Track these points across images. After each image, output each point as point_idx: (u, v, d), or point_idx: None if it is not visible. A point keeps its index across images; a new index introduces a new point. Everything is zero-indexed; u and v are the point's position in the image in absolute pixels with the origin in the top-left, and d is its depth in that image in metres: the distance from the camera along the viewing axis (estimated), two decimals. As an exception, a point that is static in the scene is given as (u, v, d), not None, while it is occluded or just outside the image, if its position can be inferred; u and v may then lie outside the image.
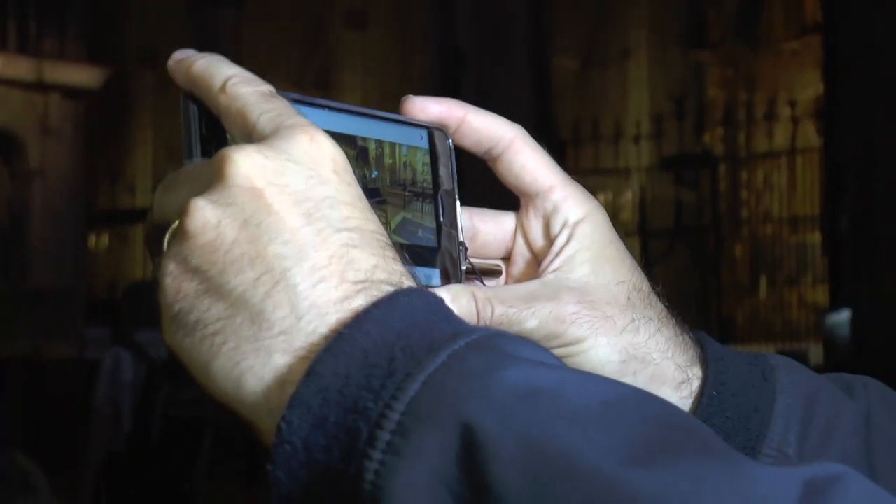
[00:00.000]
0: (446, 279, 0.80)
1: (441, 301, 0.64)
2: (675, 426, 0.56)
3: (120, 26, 19.05)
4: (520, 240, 0.84)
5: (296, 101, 0.72)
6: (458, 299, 0.75)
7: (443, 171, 0.82)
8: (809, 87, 14.92)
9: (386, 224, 0.72)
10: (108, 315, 10.71)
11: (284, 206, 0.64)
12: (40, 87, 15.98)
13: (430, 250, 0.80)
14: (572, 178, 0.84)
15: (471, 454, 0.54)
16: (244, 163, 0.64)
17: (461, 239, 0.82)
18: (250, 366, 0.62)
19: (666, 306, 0.83)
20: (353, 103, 0.79)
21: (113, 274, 17.34)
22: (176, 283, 0.64)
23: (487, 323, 0.76)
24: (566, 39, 16.31)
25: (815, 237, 13.60)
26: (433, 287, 0.76)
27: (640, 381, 0.79)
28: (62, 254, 16.04)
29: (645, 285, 0.82)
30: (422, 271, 0.77)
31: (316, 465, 0.58)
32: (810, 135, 14.29)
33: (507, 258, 0.85)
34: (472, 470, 0.54)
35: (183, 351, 0.64)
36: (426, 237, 0.80)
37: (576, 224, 0.81)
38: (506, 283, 0.84)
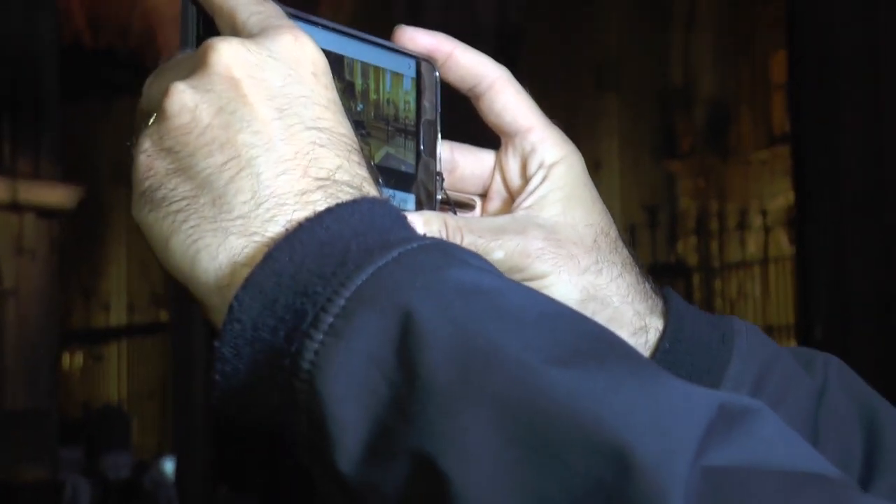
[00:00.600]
0: (420, 206, 0.82)
1: (401, 213, 0.67)
2: (605, 341, 0.59)
3: (95, 144, 19.15)
4: (497, 177, 0.87)
5: (289, 15, 0.74)
6: (429, 224, 0.78)
7: (427, 102, 0.84)
8: (780, 196, 15.07)
9: (370, 157, 0.72)
10: (81, 436, 10.60)
11: (259, 99, 0.66)
12: (15, 207, 15.98)
13: (408, 177, 0.82)
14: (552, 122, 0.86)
15: (406, 341, 0.57)
16: (226, 53, 0.67)
17: (439, 169, 0.84)
18: (206, 244, 0.65)
19: (631, 254, 0.85)
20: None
21: (87, 394, 17.21)
22: (149, 160, 0.67)
23: None
24: (538, 152, 16.41)
25: (790, 346, 13.58)
26: (407, 210, 0.79)
27: (598, 320, 0.78)
28: (35, 374, 15.90)
29: (612, 231, 0.85)
30: (399, 195, 0.80)
31: (261, 343, 0.61)
32: (783, 243, 14.41)
33: (483, 195, 0.87)
34: (406, 355, 0.57)
35: (146, 225, 0.67)
36: (406, 166, 0.82)
37: (551, 165, 0.84)
38: (482, 215, 0.87)
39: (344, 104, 0.71)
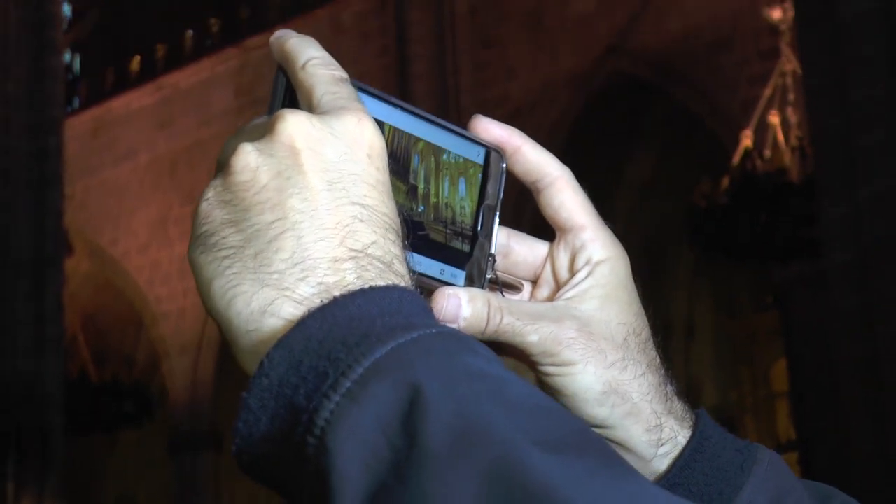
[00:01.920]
0: (470, 282, 0.88)
1: (426, 304, 0.73)
2: (590, 438, 0.64)
3: (100, 475, 18.97)
4: (548, 267, 0.92)
5: (369, 93, 0.81)
6: (474, 300, 0.84)
7: (490, 188, 0.90)
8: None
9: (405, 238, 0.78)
10: None
11: (313, 170, 0.74)
12: None
13: (463, 254, 0.88)
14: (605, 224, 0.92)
15: (413, 412, 0.62)
16: (293, 124, 0.75)
17: (492, 251, 0.90)
18: (244, 291, 0.72)
19: (659, 357, 0.90)
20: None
21: None
22: (209, 207, 0.76)
23: (495, 328, 0.84)
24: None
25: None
26: (456, 286, 0.86)
27: (616, 413, 0.86)
28: None
29: (644, 332, 0.89)
30: (450, 270, 0.87)
31: (283, 399, 0.67)
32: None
33: (534, 281, 0.92)
34: (410, 425, 0.62)
35: (196, 265, 0.75)
36: (463, 243, 0.88)
37: (597, 263, 0.89)
38: (528, 300, 0.92)
39: (406, 206, 0.81)
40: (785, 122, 12.30)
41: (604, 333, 0.87)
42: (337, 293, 0.71)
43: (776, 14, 12.37)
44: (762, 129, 12.43)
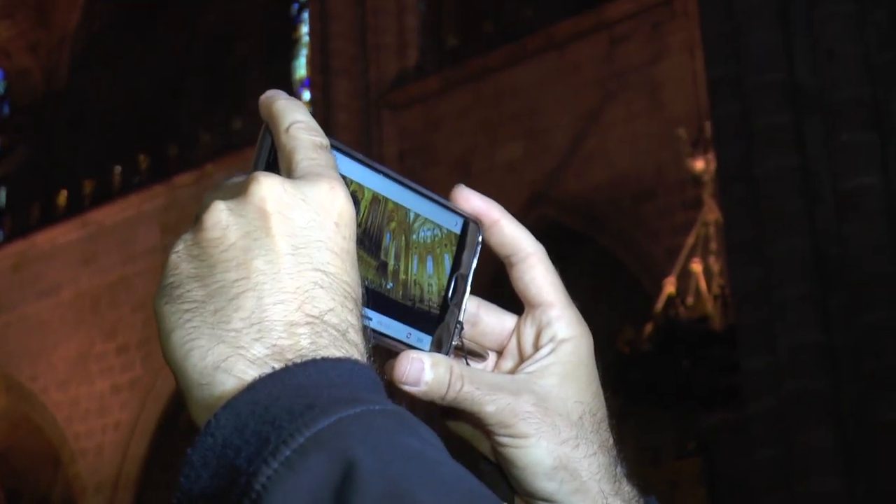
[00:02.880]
0: (437, 347, 0.90)
1: (378, 378, 0.74)
2: None
3: None
4: (514, 340, 0.93)
5: (351, 157, 0.84)
6: (437, 366, 0.86)
7: (465, 257, 0.92)
8: None
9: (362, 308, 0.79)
10: None
11: (280, 234, 0.75)
12: None
13: (432, 319, 0.90)
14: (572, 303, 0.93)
15: (345, 486, 0.64)
16: (265, 187, 0.76)
17: (461, 318, 0.91)
18: (200, 345, 0.74)
19: (613, 439, 0.92)
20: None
21: None
22: (178, 260, 0.77)
23: (455, 394, 0.86)
24: None
25: None
26: (420, 349, 0.88)
27: (564, 489, 0.88)
28: None
29: (600, 413, 0.91)
30: (417, 334, 0.89)
31: (225, 459, 0.68)
32: None
33: (500, 351, 0.94)
34: (341, 499, 0.63)
35: (159, 314, 0.76)
36: (431, 310, 0.90)
37: (561, 341, 0.91)
38: (492, 370, 0.93)
39: (375, 281, 0.84)
40: (707, 271, 12.47)
41: (560, 410, 0.89)
42: (290, 356, 0.73)
43: (699, 165, 12.62)
44: (685, 276, 12.59)
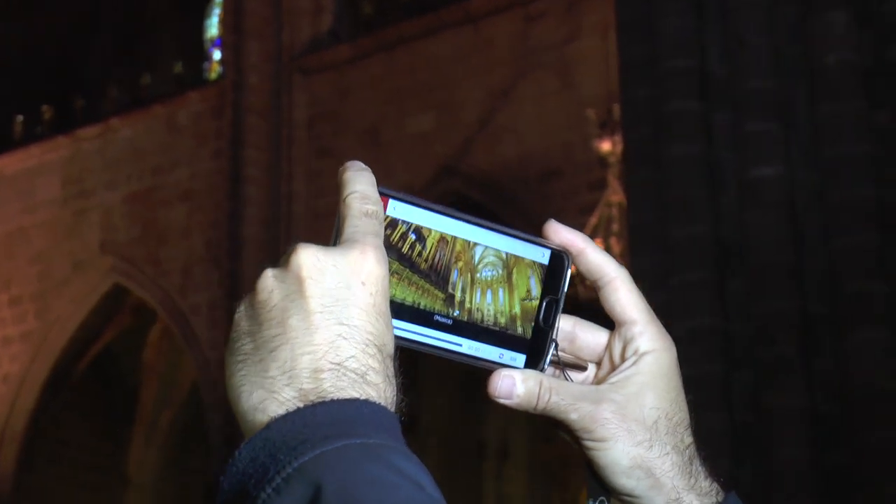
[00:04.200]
0: (532, 364, 1.03)
1: (381, 412, 0.88)
2: None
3: None
4: (607, 353, 1.06)
5: (426, 207, 1.00)
6: (527, 381, 1.01)
7: (553, 283, 1.05)
8: None
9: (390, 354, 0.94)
10: None
11: (312, 296, 0.91)
12: None
13: (523, 340, 1.03)
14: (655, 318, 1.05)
15: None
16: (302, 256, 0.92)
17: (554, 337, 1.04)
18: (247, 389, 0.90)
19: (691, 440, 1.03)
20: None
21: None
22: (238, 318, 0.94)
23: (544, 405, 1.01)
24: None
25: None
26: (514, 367, 1.02)
27: (641, 485, 1.01)
28: None
29: (677, 417, 1.03)
30: (509, 353, 1.03)
31: (241, 484, 0.85)
32: None
33: (598, 363, 1.07)
34: None
35: (225, 363, 0.93)
36: (523, 332, 1.03)
37: (643, 354, 1.04)
38: (592, 379, 1.07)
39: (443, 310, 0.99)
40: (608, 252, 12.56)
41: (636, 416, 1.02)
42: (313, 398, 0.88)
43: (606, 146, 12.72)
44: (587, 257, 12.66)
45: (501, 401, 1.01)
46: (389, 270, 0.95)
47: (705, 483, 1.03)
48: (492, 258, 1.02)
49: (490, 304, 1.02)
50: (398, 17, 16.46)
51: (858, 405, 6.96)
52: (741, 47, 7.75)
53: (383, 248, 0.94)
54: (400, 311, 0.98)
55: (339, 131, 16.49)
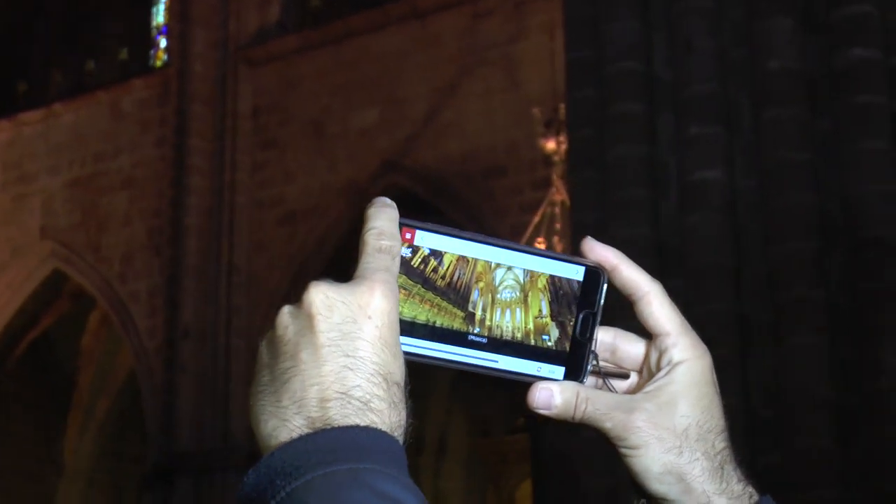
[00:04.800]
0: (572, 376, 1.09)
1: (377, 437, 0.94)
2: None
3: None
4: (646, 362, 1.12)
5: (455, 235, 1.05)
6: (564, 392, 1.07)
7: (590, 298, 1.10)
8: None
9: (401, 380, 1.00)
10: None
11: (321, 330, 0.97)
12: None
13: (562, 353, 1.09)
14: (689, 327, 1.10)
15: None
16: (313, 293, 0.98)
17: (593, 349, 1.10)
18: (264, 417, 0.97)
19: (724, 445, 1.08)
20: None
21: None
22: (261, 351, 1.01)
23: (581, 415, 1.07)
24: None
25: None
26: (553, 379, 1.08)
27: (674, 490, 1.06)
28: None
29: (708, 424, 1.08)
30: (547, 366, 1.08)
31: (253, 496, 0.93)
32: None
33: (640, 371, 1.12)
34: None
35: (249, 394, 1.00)
36: (560, 345, 1.09)
37: (676, 364, 1.09)
38: (635, 385, 1.12)
39: (464, 310, 1.05)
40: (551, 250, 12.61)
41: (666, 424, 1.07)
42: (319, 425, 0.95)
43: (550, 145, 12.76)
44: (528, 256, 12.70)
45: (541, 411, 1.07)
46: (423, 300, 1.04)
47: (738, 486, 1.08)
48: (519, 280, 1.08)
49: (521, 322, 1.08)
50: (346, 10, 16.42)
51: (793, 410, 7.04)
52: (687, 50, 7.80)
53: (393, 282, 1.01)
54: (434, 334, 1.05)
55: (283, 122, 16.43)
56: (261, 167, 16.50)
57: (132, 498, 19.39)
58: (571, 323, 1.09)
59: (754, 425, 7.06)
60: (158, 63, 18.76)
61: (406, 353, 1.02)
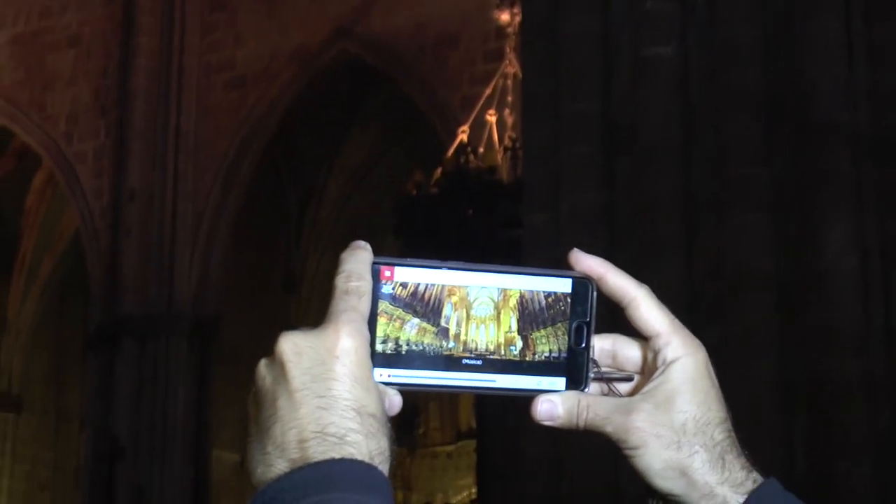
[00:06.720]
0: (573, 385, 1.12)
1: (353, 468, 1.00)
2: None
3: None
4: (644, 363, 1.15)
5: (451, 268, 1.09)
6: (565, 402, 1.12)
7: (580, 308, 1.13)
8: (465, 490, 15.19)
9: (379, 411, 1.05)
10: None
11: (294, 377, 1.03)
12: None
13: (558, 365, 1.12)
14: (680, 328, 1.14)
15: None
16: (283, 343, 1.04)
17: (592, 356, 1.13)
18: (254, 466, 1.04)
19: (724, 436, 1.12)
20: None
21: None
22: (249, 405, 1.07)
23: (584, 422, 1.11)
24: (226, 433, 16.26)
25: None
26: (555, 391, 1.11)
27: (678, 485, 1.10)
28: None
29: (705, 417, 1.11)
30: (547, 379, 1.12)
31: None
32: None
33: (642, 372, 1.15)
34: None
35: (246, 442, 1.06)
36: (558, 357, 1.12)
37: (670, 363, 1.12)
38: (638, 387, 1.15)
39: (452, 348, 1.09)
40: (501, 123, 12.60)
41: (664, 421, 1.10)
42: (300, 464, 1.00)
43: (504, 17, 12.66)
44: (480, 127, 12.71)
45: (545, 423, 1.12)
46: (416, 330, 1.09)
47: (740, 474, 1.11)
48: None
49: (511, 339, 1.11)
50: None
51: (736, 285, 7.13)
52: (644, -76, 7.71)
53: (360, 321, 1.06)
54: (426, 362, 1.10)
55: (234, -15, 16.15)
56: (210, 30, 16.26)
57: (76, 358, 19.45)
58: (565, 334, 1.13)
59: (694, 298, 7.15)
60: (107, -82, 18.33)
61: (403, 384, 1.08)
